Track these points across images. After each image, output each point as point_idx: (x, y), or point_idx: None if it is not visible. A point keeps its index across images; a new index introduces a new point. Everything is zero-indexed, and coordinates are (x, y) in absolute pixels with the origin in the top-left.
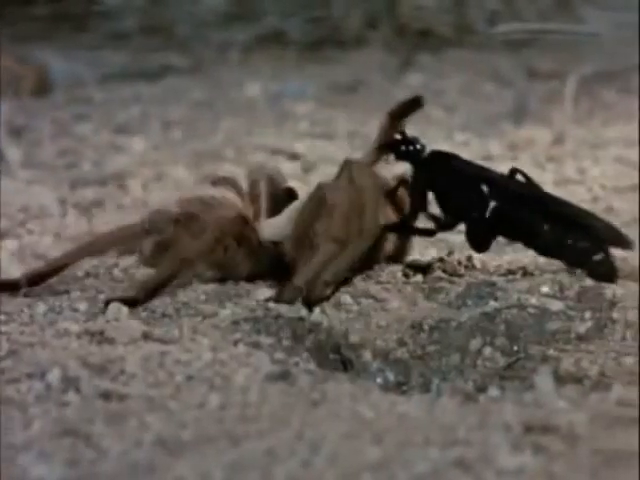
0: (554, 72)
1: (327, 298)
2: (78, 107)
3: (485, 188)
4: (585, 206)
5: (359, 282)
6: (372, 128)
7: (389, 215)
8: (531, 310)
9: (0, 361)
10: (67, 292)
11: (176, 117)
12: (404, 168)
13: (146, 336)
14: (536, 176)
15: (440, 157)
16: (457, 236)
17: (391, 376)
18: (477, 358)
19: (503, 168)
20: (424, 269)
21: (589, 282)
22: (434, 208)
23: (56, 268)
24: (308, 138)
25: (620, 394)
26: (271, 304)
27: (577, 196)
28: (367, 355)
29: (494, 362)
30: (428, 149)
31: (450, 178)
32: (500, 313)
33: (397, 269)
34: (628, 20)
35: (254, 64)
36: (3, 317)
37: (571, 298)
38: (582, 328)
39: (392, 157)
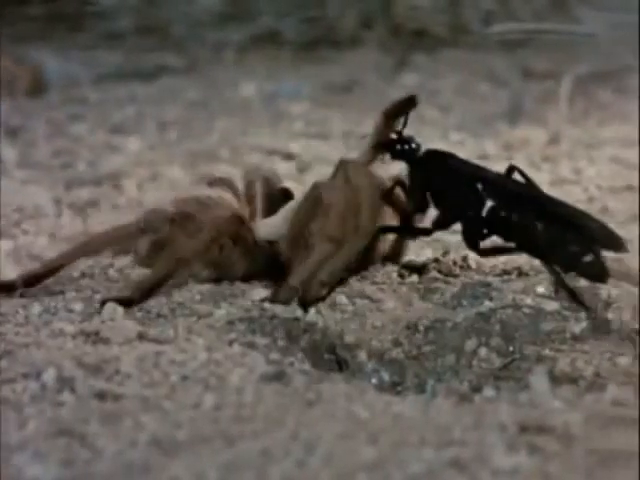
0: (549, 72)
1: (323, 298)
2: (73, 107)
3: (481, 187)
4: (581, 206)
5: (354, 282)
6: (367, 128)
7: (385, 215)
8: (526, 310)
9: None
10: (62, 292)
11: (171, 117)
12: (400, 168)
13: (141, 336)
14: (531, 176)
15: (436, 156)
16: (452, 236)
17: (386, 376)
18: (472, 358)
19: (498, 168)
20: (419, 269)
21: (584, 282)
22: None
23: (52, 269)
24: (303, 138)
25: (615, 394)
26: (266, 304)
27: (572, 196)
28: (362, 355)
29: (489, 362)
30: (423, 148)
31: (446, 177)
32: (495, 313)
33: (392, 269)
34: (623, 20)
35: (249, 64)
36: None
37: (566, 298)
38: (577, 328)
39: (388, 156)
